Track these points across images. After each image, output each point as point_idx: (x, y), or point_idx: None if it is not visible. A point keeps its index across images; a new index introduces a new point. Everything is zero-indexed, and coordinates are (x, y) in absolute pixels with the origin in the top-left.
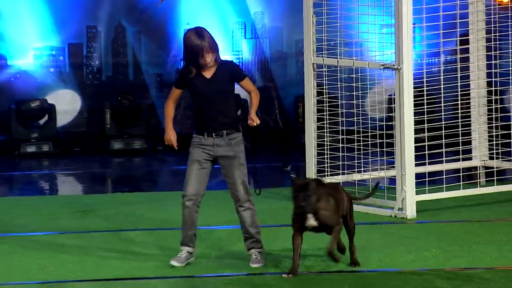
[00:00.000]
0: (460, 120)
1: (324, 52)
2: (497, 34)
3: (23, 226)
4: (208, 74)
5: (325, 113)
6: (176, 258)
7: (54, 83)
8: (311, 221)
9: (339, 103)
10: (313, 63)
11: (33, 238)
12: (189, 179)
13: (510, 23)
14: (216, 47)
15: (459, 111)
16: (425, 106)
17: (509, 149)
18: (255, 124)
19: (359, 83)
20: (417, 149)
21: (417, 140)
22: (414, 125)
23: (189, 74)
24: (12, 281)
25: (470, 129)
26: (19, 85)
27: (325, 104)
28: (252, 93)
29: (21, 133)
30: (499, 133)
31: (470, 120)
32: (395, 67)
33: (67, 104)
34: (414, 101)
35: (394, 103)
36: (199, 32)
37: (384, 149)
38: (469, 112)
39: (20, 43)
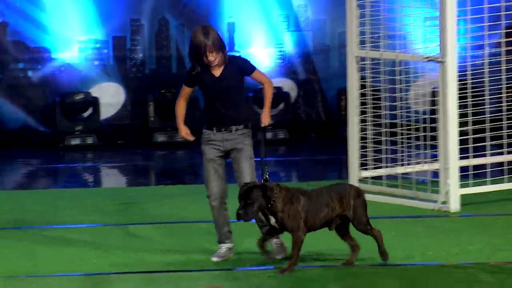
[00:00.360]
0: (504, 113)
1: (367, 44)
2: None
3: (67, 218)
4: (217, 72)
5: (368, 106)
6: (217, 254)
7: (98, 76)
8: (272, 221)
9: (382, 96)
10: (356, 56)
11: (76, 230)
12: (208, 179)
13: None
14: (222, 46)
15: (504, 104)
16: (469, 99)
17: None
18: (267, 124)
19: (403, 76)
20: (461, 142)
21: (461, 133)
22: (458, 118)
23: (194, 71)
24: (55, 272)
25: None
26: (64, 78)
27: (368, 97)
28: (265, 84)
29: (65, 125)
30: None
31: None
32: (439, 60)
33: (111, 97)
34: (458, 94)
35: (437, 96)
36: (205, 30)
37: (428, 142)
38: None
39: (65, 36)
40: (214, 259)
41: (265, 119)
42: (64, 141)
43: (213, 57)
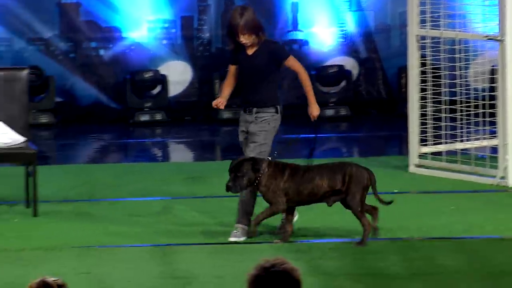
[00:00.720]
0: None
1: (427, 24)
2: None
3: (136, 191)
4: (250, 51)
5: (428, 83)
6: (234, 234)
7: (167, 54)
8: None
9: (442, 74)
10: (416, 35)
11: (145, 202)
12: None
13: None
14: (256, 27)
15: None
16: None
17: None
18: (316, 115)
19: (462, 54)
20: None
21: None
22: None
23: (230, 47)
24: (126, 243)
25: None
26: (133, 56)
27: (428, 75)
28: (300, 74)
29: (135, 102)
30: None
31: None
32: (499, 38)
33: (178, 74)
34: None
35: (496, 74)
36: (242, 11)
37: (487, 119)
38: None
39: (134, 16)
40: (232, 239)
41: (314, 110)
42: (134, 117)
43: (245, 39)
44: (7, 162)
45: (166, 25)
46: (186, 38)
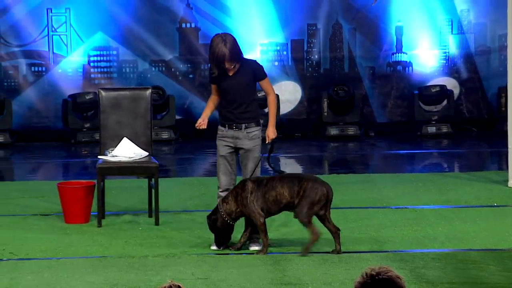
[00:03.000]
0: None
1: None
2: None
3: None
4: (231, 71)
5: None
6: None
7: (278, 75)
8: None
9: None
10: None
11: None
12: (219, 173)
13: None
14: (239, 54)
15: None
16: None
17: None
18: (270, 141)
19: None
20: None
21: None
22: None
23: (213, 74)
24: (239, 251)
25: None
26: None
27: None
28: (270, 96)
29: None
30: None
31: None
32: None
33: (289, 94)
34: None
35: None
36: (224, 39)
37: None
38: None
39: (249, 39)
40: (212, 247)
41: (271, 133)
42: None
43: (230, 65)
44: (132, 174)
45: (278, 47)
46: (296, 60)
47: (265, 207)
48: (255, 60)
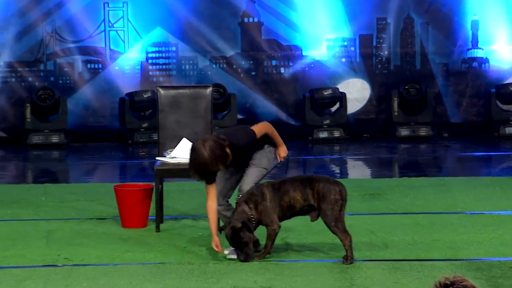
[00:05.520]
0: None
1: None
2: None
3: None
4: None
5: None
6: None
7: (345, 72)
8: None
9: None
10: None
11: None
12: (218, 189)
13: None
14: (226, 158)
15: None
16: None
17: None
18: (282, 160)
19: None
20: None
21: None
22: None
23: (205, 182)
24: (304, 258)
25: None
26: (313, 74)
27: None
28: (266, 129)
29: (314, 119)
30: None
31: None
32: None
33: (357, 92)
34: None
35: None
36: (205, 147)
37: None
38: None
39: (314, 34)
40: (228, 255)
41: (282, 152)
42: (313, 134)
43: (220, 167)
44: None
45: (345, 43)
46: (365, 56)
47: (281, 214)
48: (239, 146)
